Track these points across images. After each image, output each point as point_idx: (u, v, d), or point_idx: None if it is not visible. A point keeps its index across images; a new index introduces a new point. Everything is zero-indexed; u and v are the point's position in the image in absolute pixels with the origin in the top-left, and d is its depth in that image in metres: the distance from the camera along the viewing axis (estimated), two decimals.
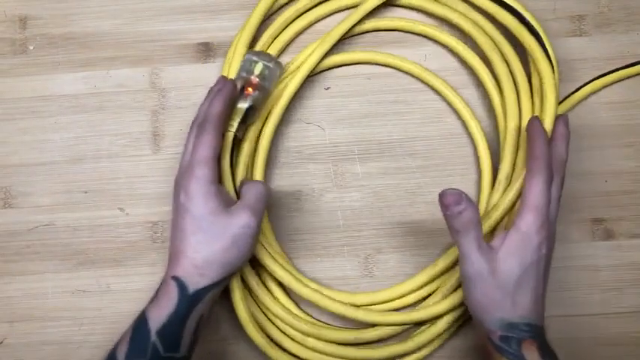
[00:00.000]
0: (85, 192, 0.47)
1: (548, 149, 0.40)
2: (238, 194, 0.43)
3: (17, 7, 0.49)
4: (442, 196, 0.38)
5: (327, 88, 0.48)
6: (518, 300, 0.38)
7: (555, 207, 0.41)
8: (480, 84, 0.47)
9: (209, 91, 0.43)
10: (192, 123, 0.42)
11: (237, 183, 0.44)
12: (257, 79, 0.43)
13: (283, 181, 0.47)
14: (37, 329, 0.47)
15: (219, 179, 0.42)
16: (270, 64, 0.44)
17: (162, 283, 0.40)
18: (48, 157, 0.48)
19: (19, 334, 0.47)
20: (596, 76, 0.47)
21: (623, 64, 0.47)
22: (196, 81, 0.48)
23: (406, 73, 0.48)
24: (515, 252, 0.38)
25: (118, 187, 0.47)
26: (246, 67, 0.44)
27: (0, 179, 0.48)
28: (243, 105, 0.43)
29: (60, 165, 0.48)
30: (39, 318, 0.47)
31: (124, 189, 0.47)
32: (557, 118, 0.43)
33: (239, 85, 0.43)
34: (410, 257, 0.47)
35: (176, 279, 0.39)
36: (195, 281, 0.39)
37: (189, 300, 0.38)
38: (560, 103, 0.46)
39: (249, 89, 0.43)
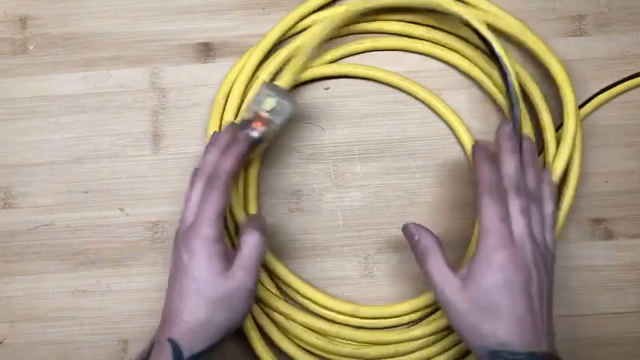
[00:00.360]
0: (85, 192, 0.47)
1: (491, 170, 0.39)
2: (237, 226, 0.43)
3: (17, 7, 0.49)
4: (403, 229, 0.42)
5: (327, 88, 0.48)
6: (495, 325, 0.37)
7: (521, 222, 0.38)
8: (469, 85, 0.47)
9: (214, 137, 0.42)
10: (196, 173, 0.41)
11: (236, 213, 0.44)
12: (267, 114, 0.41)
13: (283, 181, 0.47)
14: (37, 329, 0.47)
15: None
16: (285, 101, 0.42)
17: (156, 344, 0.38)
18: (48, 157, 0.48)
19: (19, 334, 0.47)
20: (600, 90, 0.47)
21: (623, 64, 0.47)
22: (196, 81, 0.48)
23: (396, 87, 0.48)
24: (477, 277, 0.37)
25: (118, 187, 0.47)
26: (259, 99, 0.42)
27: (0, 179, 0.48)
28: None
29: (60, 165, 0.48)
30: (39, 318, 0.47)
31: (124, 189, 0.47)
32: (498, 128, 0.42)
33: (248, 117, 0.42)
34: (410, 257, 0.46)
35: (172, 342, 0.37)
36: (191, 346, 0.37)
37: None
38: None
39: (258, 123, 0.41)
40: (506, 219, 0.38)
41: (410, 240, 0.41)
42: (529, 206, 0.39)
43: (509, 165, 0.40)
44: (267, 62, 0.46)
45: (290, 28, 0.46)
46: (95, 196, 0.47)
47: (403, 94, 0.48)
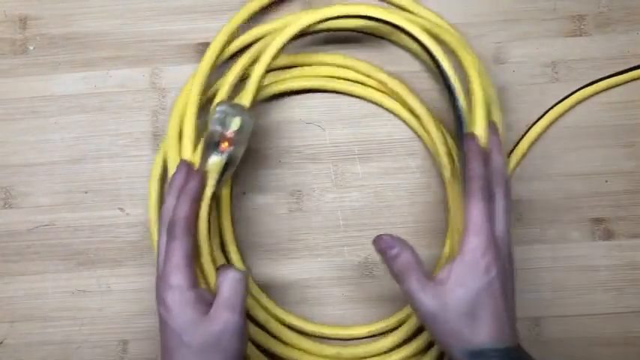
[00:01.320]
0: (86, 192, 0.47)
1: (482, 167, 0.39)
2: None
3: (17, 7, 0.49)
4: (376, 241, 0.39)
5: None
6: (478, 327, 0.36)
7: (503, 221, 0.38)
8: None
9: (171, 181, 0.41)
10: (160, 221, 0.40)
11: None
12: (233, 134, 0.41)
13: (283, 181, 0.47)
14: (37, 329, 0.47)
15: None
16: (248, 118, 0.41)
17: None
18: (48, 157, 0.48)
19: (19, 334, 0.47)
20: (586, 83, 0.47)
21: (623, 64, 0.47)
22: None
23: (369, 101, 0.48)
24: (462, 281, 0.37)
25: (118, 187, 0.47)
26: (220, 120, 0.41)
27: (0, 179, 0.48)
28: (220, 161, 0.41)
29: (60, 165, 0.48)
30: (39, 318, 0.47)
31: (124, 189, 0.47)
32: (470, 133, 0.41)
33: (212, 140, 0.41)
34: None
35: None
36: None
37: None
38: (551, 108, 0.47)
39: (225, 144, 0.41)
40: (492, 221, 0.38)
41: (384, 253, 0.39)
42: (510, 206, 0.39)
43: (497, 160, 0.40)
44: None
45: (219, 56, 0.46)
46: (95, 196, 0.47)
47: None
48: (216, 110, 0.41)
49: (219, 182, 0.41)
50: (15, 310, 0.47)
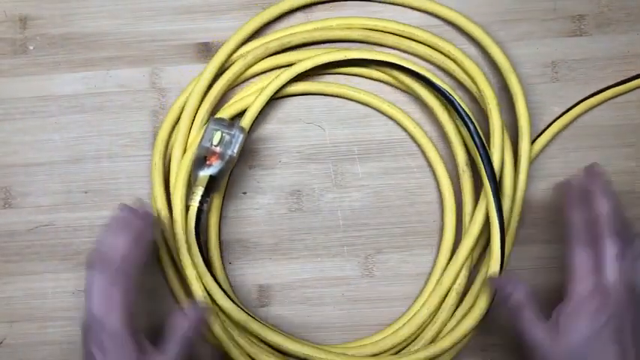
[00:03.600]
0: (85, 192, 0.47)
1: (583, 213, 0.38)
2: None
3: (17, 7, 0.49)
4: (490, 281, 0.41)
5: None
6: None
7: (612, 268, 0.36)
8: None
9: (112, 220, 0.39)
10: (94, 259, 0.37)
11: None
12: (219, 149, 0.42)
13: (283, 181, 0.47)
14: (37, 329, 0.47)
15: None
16: (232, 132, 0.42)
17: None
18: (48, 157, 0.48)
19: (19, 334, 0.47)
20: (587, 95, 0.47)
21: (623, 64, 0.47)
22: None
23: (365, 104, 0.48)
24: (570, 326, 0.36)
25: (118, 187, 0.47)
26: (208, 135, 0.42)
27: (0, 179, 0.48)
28: (205, 175, 0.42)
29: (60, 165, 0.48)
30: (39, 318, 0.47)
31: (124, 189, 0.47)
32: (586, 168, 0.40)
33: (201, 154, 0.42)
34: (410, 257, 0.47)
35: None
36: None
37: None
38: (553, 122, 0.47)
39: (212, 159, 0.42)
40: (598, 268, 0.37)
41: (499, 292, 0.40)
42: (624, 250, 0.37)
43: (606, 206, 0.37)
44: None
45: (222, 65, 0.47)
46: (95, 196, 0.47)
47: (403, 95, 0.48)
48: (206, 126, 0.43)
49: (206, 197, 0.42)
50: (15, 311, 0.47)
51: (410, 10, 0.48)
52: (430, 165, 0.47)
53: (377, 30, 0.47)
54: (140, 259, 0.38)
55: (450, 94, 0.44)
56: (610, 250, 0.36)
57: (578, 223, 0.38)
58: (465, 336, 0.43)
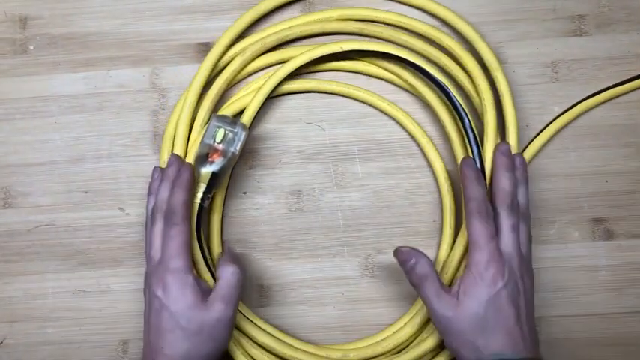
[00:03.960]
0: (85, 192, 0.47)
1: (478, 188, 0.40)
2: (215, 261, 0.44)
3: (17, 7, 0.49)
4: (396, 253, 0.42)
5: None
6: (489, 338, 0.38)
7: (509, 237, 0.40)
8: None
9: (163, 174, 0.43)
10: (153, 211, 0.42)
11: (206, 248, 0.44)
12: (221, 146, 0.42)
13: (283, 181, 0.47)
14: (37, 329, 0.47)
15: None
16: (234, 129, 0.43)
17: None
18: (48, 157, 0.48)
19: (19, 334, 0.47)
20: (586, 95, 0.47)
21: (623, 64, 0.47)
22: None
23: (365, 103, 0.48)
24: (471, 293, 0.39)
25: (118, 187, 0.47)
26: (210, 133, 0.42)
27: (0, 179, 0.48)
28: (207, 172, 0.42)
29: (60, 165, 0.48)
30: (39, 318, 0.47)
31: (124, 189, 0.47)
32: (496, 147, 0.43)
33: (203, 152, 0.43)
34: None
35: None
36: None
37: None
38: (551, 122, 0.47)
39: (214, 156, 0.42)
40: (494, 236, 0.40)
41: (404, 265, 0.42)
42: (519, 223, 0.41)
43: (501, 181, 0.41)
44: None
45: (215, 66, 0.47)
46: (95, 196, 0.47)
47: (403, 94, 0.48)
48: (209, 123, 0.43)
49: (208, 193, 0.42)
50: (15, 310, 0.47)
51: (400, 5, 0.48)
52: (430, 165, 0.47)
53: (376, 21, 0.47)
54: (190, 206, 0.41)
55: (445, 85, 0.44)
56: (505, 222, 0.40)
57: (476, 197, 0.40)
58: None
